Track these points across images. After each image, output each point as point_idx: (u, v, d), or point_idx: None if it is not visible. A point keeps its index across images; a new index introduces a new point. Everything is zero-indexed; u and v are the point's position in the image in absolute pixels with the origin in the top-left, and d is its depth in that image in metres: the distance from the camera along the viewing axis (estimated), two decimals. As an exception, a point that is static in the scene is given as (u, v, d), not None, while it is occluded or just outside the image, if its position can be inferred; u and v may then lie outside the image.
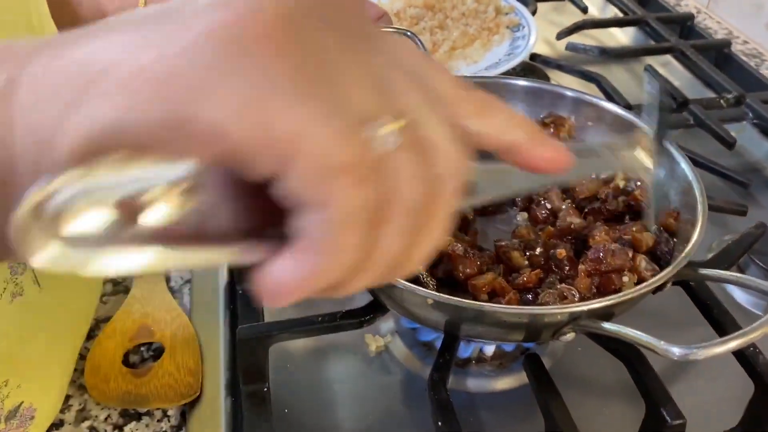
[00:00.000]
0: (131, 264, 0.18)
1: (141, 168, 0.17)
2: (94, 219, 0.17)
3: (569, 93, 0.54)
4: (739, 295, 0.56)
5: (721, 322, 0.47)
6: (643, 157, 0.37)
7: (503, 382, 0.49)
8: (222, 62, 0.16)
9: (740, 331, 0.33)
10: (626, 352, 0.45)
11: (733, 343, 0.32)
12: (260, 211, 0.20)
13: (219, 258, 0.19)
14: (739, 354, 0.45)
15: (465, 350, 0.49)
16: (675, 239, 0.45)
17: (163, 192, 0.18)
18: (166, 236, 0.18)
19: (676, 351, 0.32)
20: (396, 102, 0.19)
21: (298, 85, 0.17)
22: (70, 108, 0.17)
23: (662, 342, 0.33)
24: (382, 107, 0.18)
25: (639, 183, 0.48)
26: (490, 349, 0.49)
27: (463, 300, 0.36)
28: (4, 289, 0.36)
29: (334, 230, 0.18)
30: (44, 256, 0.17)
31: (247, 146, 0.16)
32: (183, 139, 0.16)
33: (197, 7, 0.17)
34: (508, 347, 0.49)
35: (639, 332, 0.34)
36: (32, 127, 0.18)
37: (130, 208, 0.17)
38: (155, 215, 0.18)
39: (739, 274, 0.41)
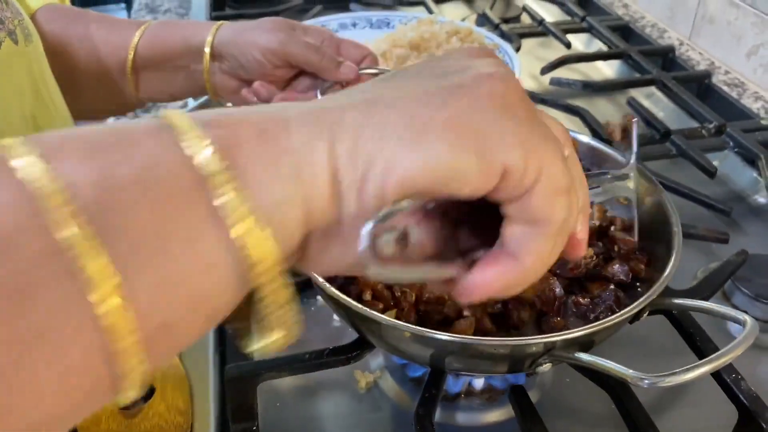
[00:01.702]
0: (395, 277, 0.25)
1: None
2: (391, 241, 0.24)
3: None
4: (724, 322, 0.57)
5: (704, 350, 0.48)
6: (626, 183, 0.44)
7: (492, 416, 0.49)
8: (503, 117, 0.23)
9: (707, 358, 0.34)
10: (611, 383, 0.46)
11: (702, 370, 0.33)
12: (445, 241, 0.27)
13: (435, 274, 0.25)
14: (722, 381, 0.46)
15: (455, 385, 0.49)
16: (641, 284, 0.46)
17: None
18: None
19: (646, 380, 0.33)
20: (565, 137, 0.27)
21: (538, 132, 0.24)
22: (406, 151, 0.22)
23: (631, 371, 0.33)
24: (564, 141, 0.26)
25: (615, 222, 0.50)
26: (479, 383, 0.50)
27: (437, 332, 0.37)
28: None
29: (547, 240, 0.24)
30: (374, 268, 0.23)
31: (520, 174, 0.23)
32: (489, 173, 0.23)
33: (466, 75, 0.24)
34: (497, 381, 0.50)
35: (610, 362, 0.34)
36: (360, 170, 0.22)
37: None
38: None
39: (709, 303, 0.42)
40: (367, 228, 0.22)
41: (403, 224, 0.25)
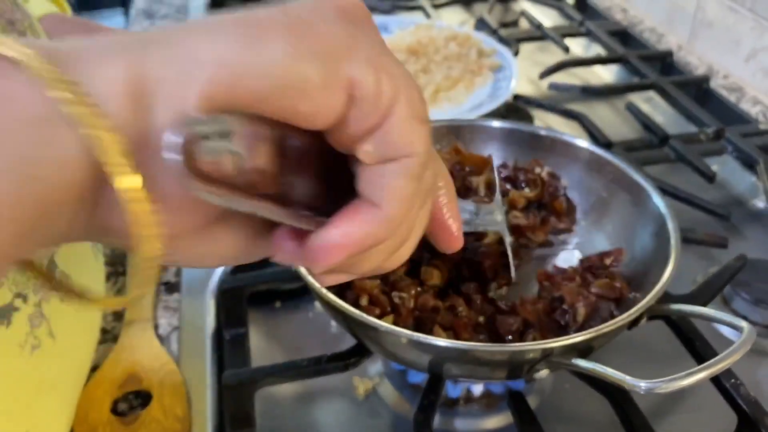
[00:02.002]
0: (219, 200, 0.20)
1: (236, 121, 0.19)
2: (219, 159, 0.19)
3: (543, 133, 0.56)
4: (724, 327, 0.57)
5: (703, 355, 0.47)
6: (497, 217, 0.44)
7: (491, 422, 0.49)
8: (353, 32, 0.20)
9: (704, 364, 0.34)
10: (610, 389, 0.45)
11: (699, 376, 0.33)
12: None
13: (279, 215, 0.21)
14: (721, 386, 0.46)
15: (453, 390, 0.49)
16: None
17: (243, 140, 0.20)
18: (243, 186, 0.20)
19: (643, 385, 0.32)
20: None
21: (389, 53, 0.21)
22: (242, 51, 0.19)
23: (628, 377, 0.33)
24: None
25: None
26: (478, 389, 0.49)
27: (434, 338, 0.37)
28: (26, 341, 0.37)
29: (408, 177, 0.21)
30: (199, 189, 0.19)
31: (373, 94, 0.20)
32: (334, 88, 0.20)
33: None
34: (496, 387, 0.49)
35: (608, 368, 0.34)
36: (175, 77, 0.19)
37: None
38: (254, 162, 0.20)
39: (706, 309, 0.42)
40: (174, 130, 0.18)
41: (237, 142, 0.20)
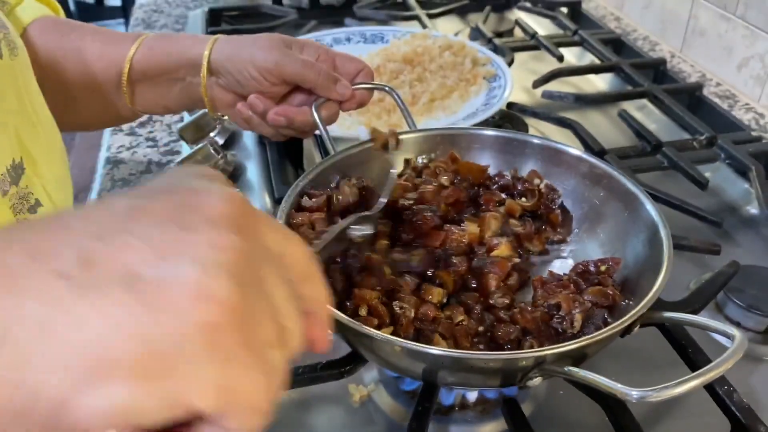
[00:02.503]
0: None
1: None
2: None
3: (536, 141, 0.56)
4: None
5: (696, 361, 0.48)
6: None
7: (486, 428, 0.49)
8: (201, 351, 0.20)
9: (696, 373, 0.34)
10: (604, 396, 0.46)
11: (691, 384, 0.33)
12: None
13: None
14: (714, 393, 0.46)
15: (448, 397, 0.49)
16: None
17: None
18: None
19: (635, 394, 0.33)
20: (283, 316, 0.23)
21: (243, 357, 0.21)
22: (82, 386, 0.19)
23: (620, 386, 0.34)
24: (281, 334, 0.23)
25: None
26: (473, 396, 0.50)
27: (428, 346, 0.37)
28: None
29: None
30: None
31: (207, 409, 0.21)
32: (169, 413, 0.20)
33: (177, 283, 0.20)
34: (490, 393, 0.50)
35: (600, 377, 0.35)
36: (37, 392, 0.19)
37: None
38: None
39: (698, 317, 0.42)
40: None
41: None
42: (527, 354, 0.37)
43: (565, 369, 0.36)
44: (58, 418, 0.19)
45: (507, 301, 0.47)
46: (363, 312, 0.44)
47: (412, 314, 0.44)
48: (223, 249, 0.21)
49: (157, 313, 0.20)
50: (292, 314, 0.24)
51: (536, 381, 0.37)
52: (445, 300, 0.47)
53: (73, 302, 0.20)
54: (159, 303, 0.20)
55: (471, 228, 0.51)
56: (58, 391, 0.19)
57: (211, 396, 0.20)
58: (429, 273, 0.48)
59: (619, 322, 0.39)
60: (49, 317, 0.19)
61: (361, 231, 0.46)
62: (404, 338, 0.41)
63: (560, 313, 0.45)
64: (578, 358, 0.40)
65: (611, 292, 0.46)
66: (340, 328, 0.41)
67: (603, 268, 0.48)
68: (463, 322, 0.45)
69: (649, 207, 0.49)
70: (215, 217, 0.22)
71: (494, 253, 0.50)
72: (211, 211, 0.22)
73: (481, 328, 0.45)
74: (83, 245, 0.20)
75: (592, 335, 0.38)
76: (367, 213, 0.49)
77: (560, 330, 0.44)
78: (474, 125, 0.70)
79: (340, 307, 0.41)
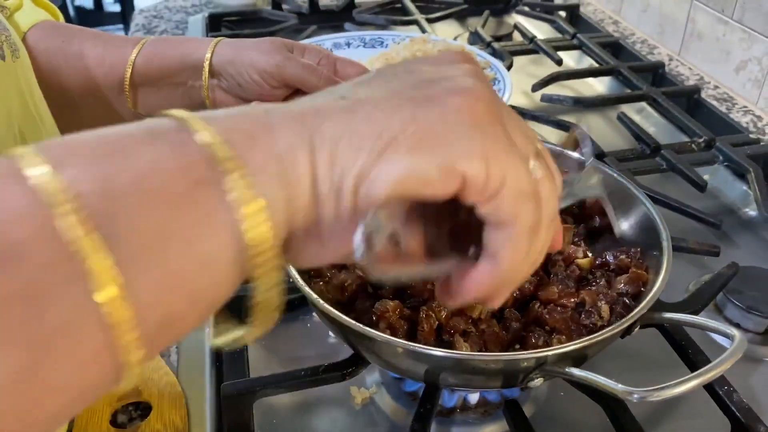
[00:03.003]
0: (394, 276, 0.28)
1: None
2: (379, 243, 0.26)
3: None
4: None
5: (696, 362, 0.48)
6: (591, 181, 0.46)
7: (487, 430, 0.49)
8: (468, 131, 0.25)
9: (695, 373, 0.34)
10: (604, 397, 0.46)
11: (690, 384, 0.33)
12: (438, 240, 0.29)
13: (431, 271, 0.28)
14: (714, 393, 0.46)
15: (450, 399, 0.50)
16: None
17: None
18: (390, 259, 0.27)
19: (635, 394, 0.33)
20: (532, 142, 0.28)
21: (501, 142, 0.26)
22: (375, 162, 0.24)
23: (620, 386, 0.34)
24: (530, 148, 0.27)
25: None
26: (474, 398, 0.50)
27: (429, 348, 0.38)
28: None
29: (519, 240, 0.26)
30: (367, 262, 0.25)
31: (483, 180, 0.25)
32: (443, 184, 0.25)
33: (438, 87, 0.26)
34: (492, 395, 0.50)
35: (600, 377, 0.35)
36: (336, 180, 0.25)
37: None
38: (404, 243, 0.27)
39: (697, 317, 0.42)
40: (358, 237, 0.24)
41: (390, 226, 0.26)
42: (528, 355, 0.37)
43: (566, 370, 0.36)
44: (365, 189, 0.24)
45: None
46: (383, 326, 0.43)
47: (435, 323, 0.43)
48: (470, 72, 0.27)
49: (425, 105, 0.25)
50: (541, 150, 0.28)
51: (537, 382, 0.38)
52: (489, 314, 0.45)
53: (363, 108, 0.25)
54: (426, 99, 0.25)
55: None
56: (360, 168, 0.24)
57: (482, 164, 0.25)
58: None
59: (619, 323, 0.39)
60: (349, 119, 0.25)
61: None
62: (425, 344, 0.41)
63: (587, 308, 0.45)
64: (579, 358, 0.41)
65: (642, 273, 0.46)
66: (340, 329, 0.42)
67: (622, 256, 0.48)
68: (494, 329, 0.44)
69: (649, 209, 0.49)
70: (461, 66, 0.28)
71: (578, 262, 0.49)
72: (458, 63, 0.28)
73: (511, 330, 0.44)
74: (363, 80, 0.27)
75: (591, 336, 0.38)
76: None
77: (590, 325, 0.44)
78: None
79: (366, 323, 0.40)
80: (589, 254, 0.50)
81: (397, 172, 0.24)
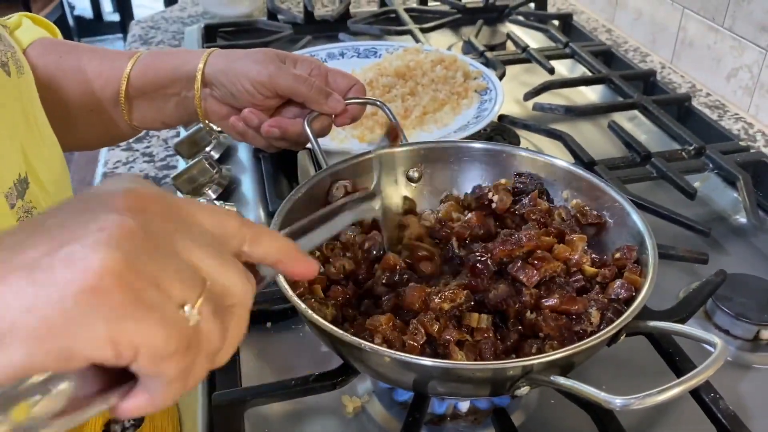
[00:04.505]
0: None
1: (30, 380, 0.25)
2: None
3: (523, 153, 0.57)
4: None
5: (683, 369, 0.48)
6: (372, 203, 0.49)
7: (478, 438, 0.50)
8: (85, 311, 0.24)
9: (678, 380, 0.35)
10: (592, 404, 0.46)
11: (673, 392, 0.34)
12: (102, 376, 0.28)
13: (99, 407, 0.27)
14: (700, 400, 0.47)
15: (440, 406, 0.50)
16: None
17: (43, 390, 0.26)
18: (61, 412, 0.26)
19: (618, 402, 0.33)
20: (196, 279, 0.27)
21: (131, 315, 0.25)
22: None
23: (603, 394, 0.34)
24: (189, 289, 0.27)
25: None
26: (464, 405, 0.50)
27: (417, 357, 0.38)
28: None
29: (164, 384, 0.27)
30: None
31: (112, 359, 0.25)
32: (72, 364, 0.25)
33: (64, 262, 0.25)
34: (482, 403, 0.50)
35: (584, 385, 0.35)
36: None
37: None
38: (47, 405, 0.26)
39: (681, 326, 0.43)
40: None
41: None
42: (515, 363, 0.38)
43: (551, 378, 0.37)
44: None
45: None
46: (378, 340, 0.43)
47: (424, 338, 0.43)
48: (109, 228, 0.25)
49: (45, 288, 0.24)
50: (215, 269, 0.28)
51: (524, 390, 0.38)
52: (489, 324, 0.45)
53: None
54: (47, 281, 0.24)
55: (560, 250, 0.49)
56: None
57: (106, 347, 0.24)
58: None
59: (604, 331, 0.40)
60: None
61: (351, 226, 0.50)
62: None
63: (578, 314, 0.45)
64: (565, 366, 0.41)
65: (636, 278, 0.46)
66: (329, 339, 0.42)
67: (618, 255, 0.49)
68: (490, 340, 0.44)
69: (635, 217, 0.50)
70: (114, 206, 0.26)
71: (584, 269, 0.49)
72: (111, 201, 0.27)
73: (508, 343, 0.45)
74: (6, 245, 0.26)
75: (577, 344, 0.39)
76: (360, 195, 0.51)
77: (581, 331, 0.44)
78: (465, 138, 0.72)
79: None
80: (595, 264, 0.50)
81: (11, 363, 0.24)
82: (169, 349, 0.26)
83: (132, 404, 0.27)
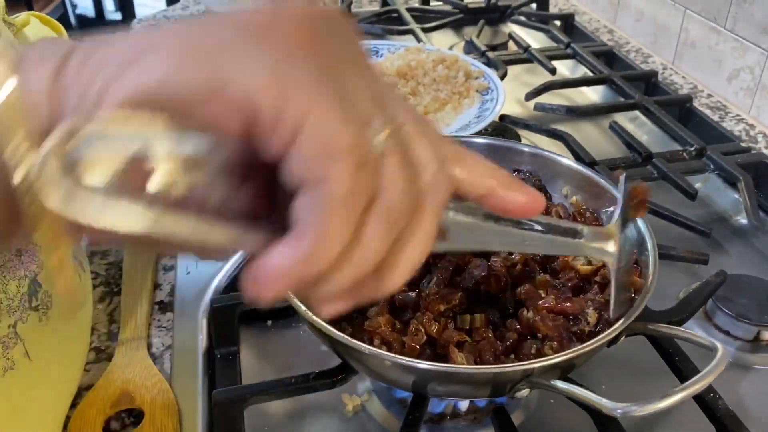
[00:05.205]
0: (130, 220, 0.18)
1: (159, 132, 0.19)
2: (105, 169, 0.18)
3: (526, 149, 0.57)
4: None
5: (683, 370, 0.48)
6: (609, 244, 0.38)
7: (477, 437, 0.50)
8: (257, 43, 0.19)
9: (680, 386, 0.35)
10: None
11: (675, 398, 0.34)
12: (260, 203, 0.22)
13: (214, 235, 0.20)
14: (700, 400, 0.47)
15: (438, 405, 0.50)
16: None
17: (168, 158, 0.19)
18: (171, 205, 0.19)
19: (620, 410, 0.33)
20: (389, 114, 0.21)
21: (313, 72, 0.19)
22: (123, 68, 0.20)
23: (605, 400, 0.34)
24: (377, 114, 0.21)
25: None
26: (464, 404, 0.50)
27: (416, 360, 0.38)
28: None
29: (326, 210, 0.19)
30: (57, 196, 0.17)
31: (271, 110, 0.19)
32: (216, 103, 0.19)
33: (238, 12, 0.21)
34: (481, 402, 0.50)
35: (586, 391, 0.35)
36: (83, 90, 0.20)
37: (139, 170, 0.19)
38: (159, 180, 0.19)
39: (681, 329, 0.43)
40: (48, 144, 0.18)
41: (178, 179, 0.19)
42: (514, 367, 0.38)
43: (551, 383, 0.37)
44: (111, 90, 0.19)
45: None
46: (377, 343, 0.43)
47: (425, 338, 0.43)
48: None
49: (207, 24, 0.21)
50: (413, 132, 0.22)
51: (524, 392, 0.38)
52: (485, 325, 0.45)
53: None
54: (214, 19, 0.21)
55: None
56: (114, 70, 0.20)
57: (268, 88, 0.18)
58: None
59: (605, 333, 0.40)
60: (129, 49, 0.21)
61: None
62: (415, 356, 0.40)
63: (575, 315, 0.45)
64: (566, 369, 0.41)
65: (637, 280, 0.45)
66: (328, 340, 0.42)
67: None
68: (489, 339, 0.44)
69: (636, 220, 0.50)
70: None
71: (578, 268, 0.48)
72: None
73: (507, 343, 0.44)
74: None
75: (578, 347, 0.39)
76: None
77: (578, 332, 0.44)
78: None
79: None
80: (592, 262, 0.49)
81: (151, 75, 0.19)
82: (342, 143, 0.19)
83: (280, 251, 0.19)
